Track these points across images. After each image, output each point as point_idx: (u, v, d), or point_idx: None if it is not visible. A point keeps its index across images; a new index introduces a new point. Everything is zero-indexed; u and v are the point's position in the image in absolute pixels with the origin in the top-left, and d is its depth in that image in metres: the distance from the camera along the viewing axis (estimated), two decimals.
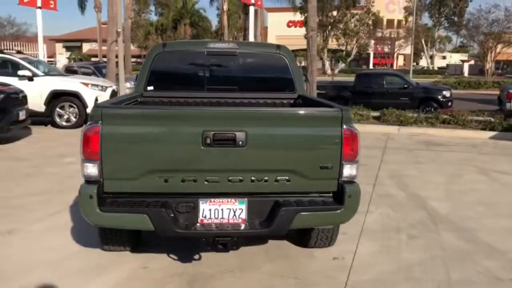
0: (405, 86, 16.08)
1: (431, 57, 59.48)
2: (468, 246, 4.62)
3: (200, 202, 3.31)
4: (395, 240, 4.73)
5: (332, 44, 45.42)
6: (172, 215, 3.24)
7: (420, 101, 15.52)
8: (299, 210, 3.29)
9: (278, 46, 5.00)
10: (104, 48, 51.07)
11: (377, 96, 16.01)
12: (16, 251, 4.29)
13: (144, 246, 4.33)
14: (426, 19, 57.85)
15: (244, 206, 3.33)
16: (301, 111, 3.40)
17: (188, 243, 4.33)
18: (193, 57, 4.93)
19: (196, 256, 4.20)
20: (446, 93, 15.97)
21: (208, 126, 3.16)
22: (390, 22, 54.49)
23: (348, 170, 3.33)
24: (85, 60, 42.39)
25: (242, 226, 3.33)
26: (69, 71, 16.75)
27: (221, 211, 3.32)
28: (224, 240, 3.31)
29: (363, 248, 4.51)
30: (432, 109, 14.80)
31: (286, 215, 3.27)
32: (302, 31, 40.00)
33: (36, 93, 10.87)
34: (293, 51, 5.38)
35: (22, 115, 9.38)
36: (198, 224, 3.32)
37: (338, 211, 3.34)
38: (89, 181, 3.20)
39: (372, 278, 3.87)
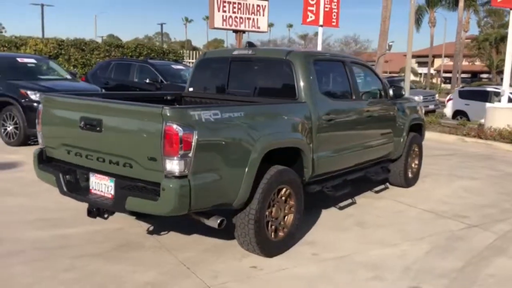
0: None
1: None
2: None
3: (90, 175, 4.11)
4: (348, 278, 4.09)
5: None
6: (72, 180, 4.18)
7: None
8: (129, 194, 3.66)
9: (289, 52, 4.98)
10: (465, 63, 50.04)
11: None
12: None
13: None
14: None
15: (113, 184, 3.93)
16: (130, 106, 3.74)
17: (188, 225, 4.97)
18: (222, 63, 5.48)
19: (164, 232, 4.91)
20: None
21: (83, 113, 3.95)
22: None
23: (169, 165, 3.46)
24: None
25: (106, 201, 3.94)
26: None
27: (101, 185, 4.02)
28: (90, 208, 4.05)
29: (295, 270, 4.16)
30: None
31: (118, 195, 3.72)
32: None
33: None
34: None
35: None
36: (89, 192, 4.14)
37: (155, 201, 3.52)
38: (40, 147, 4.50)
39: None
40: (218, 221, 3.93)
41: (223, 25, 25.41)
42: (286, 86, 4.95)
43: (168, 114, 3.44)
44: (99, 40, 20.10)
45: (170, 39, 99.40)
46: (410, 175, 7.15)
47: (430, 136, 12.60)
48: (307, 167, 4.72)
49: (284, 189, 4.41)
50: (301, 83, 4.82)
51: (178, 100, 5.74)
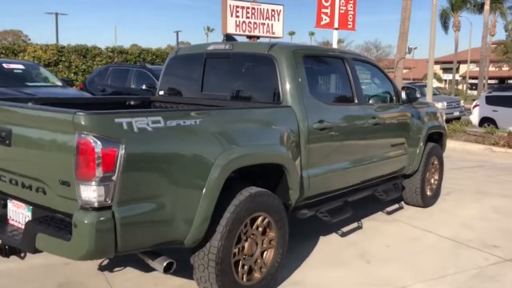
0: None
1: None
2: None
3: (8, 201, 3.21)
4: None
5: None
6: None
7: None
8: (40, 229, 2.75)
9: (272, 45, 4.03)
10: (491, 69, 47.63)
11: None
12: None
13: None
14: None
15: (30, 214, 3.03)
16: (39, 111, 2.83)
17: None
18: (196, 60, 4.55)
19: (119, 268, 4.00)
20: None
21: None
22: None
23: (84, 192, 2.54)
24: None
25: (18, 236, 3.03)
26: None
27: (18, 215, 3.13)
28: (1, 244, 3.14)
29: None
30: None
31: (27, 231, 2.81)
32: None
33: None
34: None
35: None
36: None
37: (67, 242, 2.60)
38: None
39: None
40: (164, 264, 2.98)
41: (236, 30, 24.52)
42: (269, 88, 4.01)
43: (82, 122, 2.52)
44: None
45: None
46: (428, 192, 6.10)
47: (454, 146, 11.47)
48: (294, 188, 3.75)
49: (260, 218, 3.46)
50: (286, 84, 3.87)
51: (146, 105, 4.84)
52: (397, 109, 5.29)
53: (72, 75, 15.45)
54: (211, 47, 4.43)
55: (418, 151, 5.64)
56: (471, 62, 54.14)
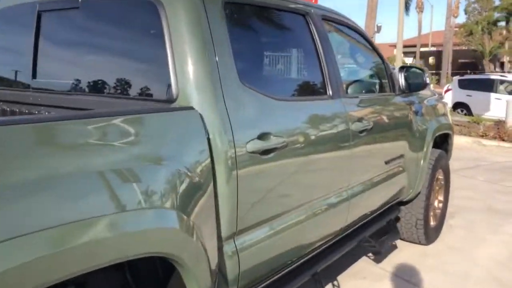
0: None
1: None
2: None
3: None
4: None
5: None
6: None
7: None
8: None
9: None
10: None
11: None
12: None
13: None
14: None
15: None
16: None
17: None
18: (24, 20, 2.38)
19: None
20: None
21: None
22: None
23: None
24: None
25: None
26: None
27: None
28: None
29: None
30: None
31: None
32: None
33: None
34: None
35: None
36: None
37: None
38: None
39: None
40: None
41: None
42: (150, 68, 1.91)
43: None
44: None
45: None
46: (432, 222, 4.17)
47: None
48: None
49: None
50: (188, 60, 1.77)
51: None
52: (392, 103, 3.28)
53: None
54: None
55: (422, 163, 3.68)
56: (432, 45, 53.48)
